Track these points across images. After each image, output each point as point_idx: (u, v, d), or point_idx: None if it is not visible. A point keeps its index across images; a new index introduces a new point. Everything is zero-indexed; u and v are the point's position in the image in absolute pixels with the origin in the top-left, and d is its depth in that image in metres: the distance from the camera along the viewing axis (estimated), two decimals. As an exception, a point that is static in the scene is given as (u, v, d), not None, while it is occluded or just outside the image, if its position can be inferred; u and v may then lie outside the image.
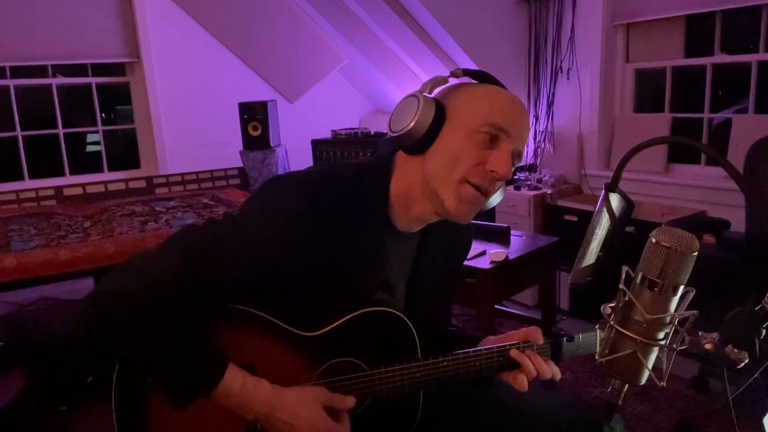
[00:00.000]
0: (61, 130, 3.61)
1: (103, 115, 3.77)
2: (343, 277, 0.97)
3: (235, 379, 0.88)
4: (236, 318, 0.96)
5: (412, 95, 0.94)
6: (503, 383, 1.02)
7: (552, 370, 1.01)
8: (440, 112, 0.92)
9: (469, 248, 1.22)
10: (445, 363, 0.99)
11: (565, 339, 1.03)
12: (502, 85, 0.98)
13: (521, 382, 0.99)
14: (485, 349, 1.01)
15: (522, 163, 3.73)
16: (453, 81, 0.99)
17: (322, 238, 0.92)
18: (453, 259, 1.16)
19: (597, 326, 1.03)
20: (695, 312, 0.69)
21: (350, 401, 0.96)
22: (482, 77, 0.99)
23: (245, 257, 0.89)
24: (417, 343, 1.01)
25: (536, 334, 1.03)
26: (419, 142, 0.92)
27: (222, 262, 0.88)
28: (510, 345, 1.02)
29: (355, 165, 1.02)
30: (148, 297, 0.84)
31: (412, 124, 0.91)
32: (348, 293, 0.98)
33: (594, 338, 1.05)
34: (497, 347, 1.02)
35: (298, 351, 0.97)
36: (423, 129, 0.91)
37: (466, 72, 0.98)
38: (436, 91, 0.97)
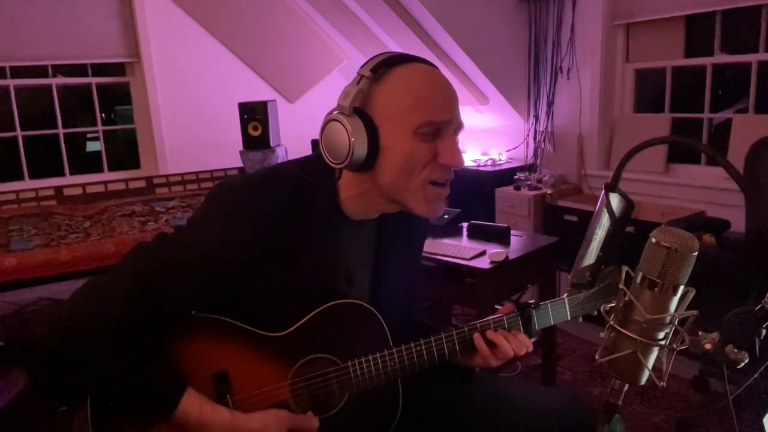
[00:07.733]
0: (61, 130, 3.61)
1: (103, 115, 3.77)
2: (301, 271, 0.97)
3: (191, 406, 0.89)
4: (205, 326, 0.96)
5: (333, 119, 0.89)
6: (485, 373, 1.04)
7: (524, 344, 1.03)
8: (370, 126, 0.88)
9: (428, 227, 1.22)
10: (419, 347, 1.00)
11: (532, 308, 1.04)
12: (412, 58, 0.93)
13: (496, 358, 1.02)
14: (456, 329, 1.02)
15: (522, 163, 3.74)
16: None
17: (271, 237, 0.92)
18: (415, 240, 1.16)
19: (564, 294, 1.05)
20: (695, 312, 0.69)
21: (315, 422, 0.96)
22: (391, 62, 0.92)
23: (196, 269, 0.90)
24: (387, 331, 1.01)
25: (505, 309, 1.06)
26: (364, 163, 0.89)
27: (172, 277, 0.89)
28: (480, 322, 1.04)
29: (297, 163, 1.02)
30: (101, 327, 0.86)
31: (351, 155, 0.87)
32: (309, 286, 0.98)
33: (563, 306, 1.05)
34: (467, 325, 1.03)
35: (270, 353, 0.97)
36: (363, 152, 0.88)
37: (374, 69, 0.90)
38: (353, 97, 0.89)
